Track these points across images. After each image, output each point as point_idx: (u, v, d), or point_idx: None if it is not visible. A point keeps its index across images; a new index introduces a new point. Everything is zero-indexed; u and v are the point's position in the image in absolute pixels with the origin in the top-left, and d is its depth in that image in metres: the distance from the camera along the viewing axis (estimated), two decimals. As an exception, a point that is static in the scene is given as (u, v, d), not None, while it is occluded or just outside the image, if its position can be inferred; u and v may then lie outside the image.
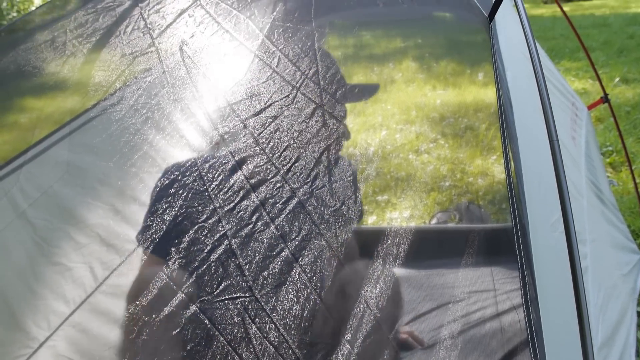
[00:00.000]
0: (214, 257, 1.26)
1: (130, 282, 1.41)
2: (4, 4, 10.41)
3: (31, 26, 1.95)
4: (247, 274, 1.22)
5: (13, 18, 10.31)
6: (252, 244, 1.25)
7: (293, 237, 1.24)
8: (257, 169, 1.31)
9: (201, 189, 1.34)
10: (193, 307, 1.22)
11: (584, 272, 1.07)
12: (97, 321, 1.45)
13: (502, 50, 1.49)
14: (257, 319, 1.18)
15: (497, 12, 1.51)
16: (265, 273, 1.22)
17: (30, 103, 1.74)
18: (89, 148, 1.61)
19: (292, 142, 1.33)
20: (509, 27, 1.57)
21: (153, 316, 1.24)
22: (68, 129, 1.67)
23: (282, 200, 1.27)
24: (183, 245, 1.30)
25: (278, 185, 1.29)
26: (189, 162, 1.38)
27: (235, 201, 1.29)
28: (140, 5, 1.66)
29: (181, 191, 1.36)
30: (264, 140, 1.34)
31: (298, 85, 1.40)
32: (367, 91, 1.77)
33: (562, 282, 1.08)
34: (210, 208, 1.31)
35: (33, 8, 10.59)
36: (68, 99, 1.66)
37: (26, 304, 1.44)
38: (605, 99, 3.53)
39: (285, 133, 1.35)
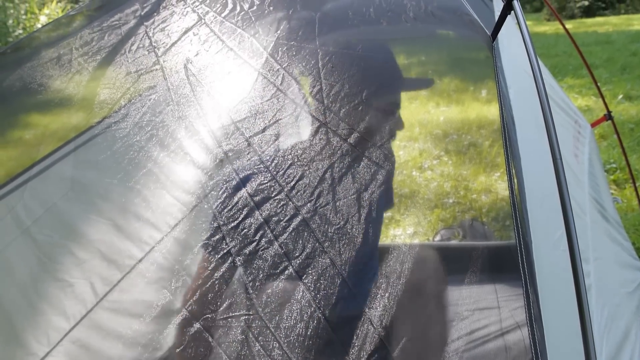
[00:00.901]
0: (217, 274, 1.26)
1: (132, 299, 1.41)
2: (10, 21, 10.48)
3: (37, 44, 1.96)
4: (251, 291, 1.22)
5: (19, 35, 10.38)
6: (255, 261, 1.25)
7: (297, 254, 1.24)
8: (260, 187, 1.32)
9: (205, 206, 1.34)
10: (196, 325, 1.22)
11: (587, 290, 1.07)
12: (96, 337, 1.45)
13: (504, 68, 1.50)
14: (261, 337, 1.18)
15: (500, 31, 1.52)
16: (269, 291, 1.22)
17: (36, 119, 1.75)
18: (94, 165, 1.61)
19: (295, 160, 1.34)
20: (511, 45, 1.57)
21: (157, 334, 1.24)
22: (73, 145, 1.68)
23: (286, 218, 1.27)
24: (187, 262, 1.30)
25: (282, 203, 1.29)
26: (192, 180, 1.39)
27: (239, 219, 1.29)
28: (145, 23, 1.68)
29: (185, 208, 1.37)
30: (267, 158, 1.35)
31: (302, 103, 1.41)
32: (424, 83, 1.82)
33: (566, 300, 1.07)
34: (214, 225, 1.31)
35: (39, 25, 10.67)
36: (73, 116, 1.67)
37: (26, 319, 1.45)
38: (608, 116, 3.54)
39: (289, 151, 1.36)
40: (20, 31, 10.53)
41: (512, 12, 1.42)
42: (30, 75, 1.69)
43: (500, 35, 1.53)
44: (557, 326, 1.17)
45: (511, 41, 1.59)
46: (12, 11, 10.62)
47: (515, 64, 1.53)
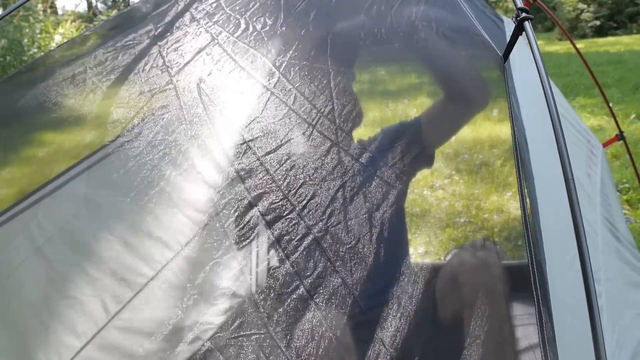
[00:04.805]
0: (229, 293, 1.26)
1: (143, 317, 1.41)
2: (25, 40, 10.60)
3: (52, 63, 1.98)
4: (262, 310, 1.22)
5: (34, 54, 10.49)
6: (267, 280, 1.25)
7: (308, 273, 1.24)
8: (272, 206, 1.32)
9: (217, 225, 1.34)
10: (208, 344, 1.22)
11: (600, 311, 1.06)
12: (107, 355, 1.45)
13: (516, 88, 1.50)
14: (272, 357, 1.17)
15: (512, 52, 1.52)
16: (281, 310, 1.21)
17: (50, 138, 1.76)
18: (107, 183, 1.62)
19: (307, 179, 1.34)
20: (523, 65, 1.58)
21: (168, 353, 1.24)
22: (86, 163, 1.69)
23: (298, 237, 1.27)
24: (198, 281, 1.30)
25: (294, 222, 1.29)
26: (204, 199, 1.39)
27: (251, 237, 1.30)
28: (159, 43, 1.69)
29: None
30: (279, 177, 1.35)
31: (314, 123, 1.42)
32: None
33: (579, 321, 1.07)
34: (226, 244, 1.31)
35: (53, 44, 10.79)
36: (87, 135, 1.68)
37: (38, 337, 1.45)
38: (620, 136, 3.52)
39: (301, 170, 1.36)
40: (35, 50, 10.64)
41: (524, 32, 1.43)
42: (44, 94, 1.71)
43: (511, 55, 1.54)
44: (570, 347, 1.16)
45: (523, 61, 1.59)
46: (27, 30, 10.75)
47: (527, 84, 1.53)
